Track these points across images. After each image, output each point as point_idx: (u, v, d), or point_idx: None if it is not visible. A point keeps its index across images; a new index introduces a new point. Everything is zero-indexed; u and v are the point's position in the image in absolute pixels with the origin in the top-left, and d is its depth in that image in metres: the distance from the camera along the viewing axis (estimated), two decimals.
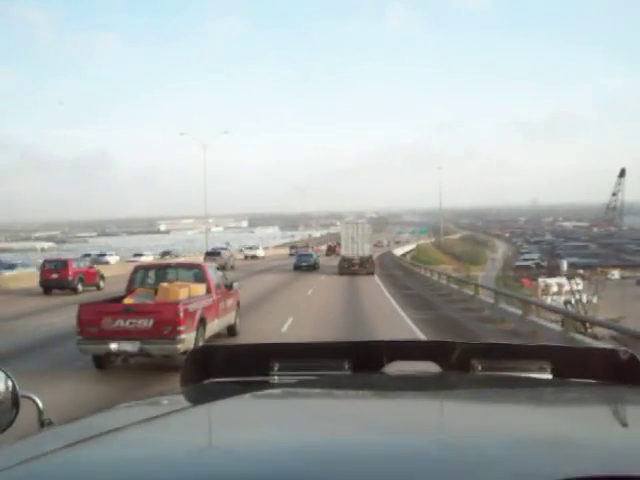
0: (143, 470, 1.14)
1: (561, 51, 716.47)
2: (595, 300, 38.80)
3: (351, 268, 45.88)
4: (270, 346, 2.19)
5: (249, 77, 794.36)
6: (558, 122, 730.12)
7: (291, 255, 70.55)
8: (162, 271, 15.74)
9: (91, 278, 33.13)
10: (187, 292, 13.70)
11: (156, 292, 13.92)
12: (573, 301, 35.50)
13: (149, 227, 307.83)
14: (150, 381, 11.31)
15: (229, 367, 2.06)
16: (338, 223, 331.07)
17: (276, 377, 1.96)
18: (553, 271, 80.00)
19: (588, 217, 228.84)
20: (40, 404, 1.98)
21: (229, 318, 15.99)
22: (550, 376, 1.93)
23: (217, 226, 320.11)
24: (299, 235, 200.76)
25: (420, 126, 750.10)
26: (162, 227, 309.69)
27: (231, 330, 16.31)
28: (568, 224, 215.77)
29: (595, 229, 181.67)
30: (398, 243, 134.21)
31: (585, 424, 1.44)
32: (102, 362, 12.32)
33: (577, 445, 1.20)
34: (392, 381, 1.99)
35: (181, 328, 11.79)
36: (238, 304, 17.10)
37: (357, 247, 47.24)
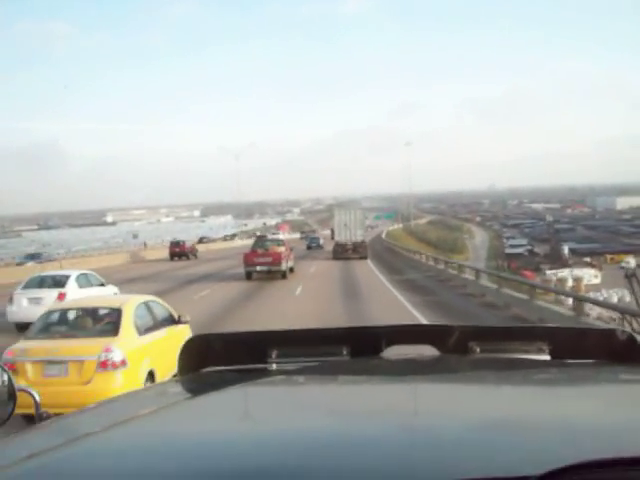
0: (143, 463, 1.14)
1: (517, 34, 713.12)
2: None
3: (344, 253, 47.69)
4: (267, 333, 2.18)
5: (199, 62, 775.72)
6: (513, 106, 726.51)
7: (301, 239, 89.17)
8: (266, 240, 42.28)
9: (193, 251, 57.76)
10: (280, 249, 33.45)
11: (267, 250, 33.35)
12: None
13: (96, 219, 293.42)
14: (271, 280, 31.07)
15: (226, 355, 2.04)
16: (294, 209, 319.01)
17: (274, 364, 1.95)
18: (555, 260, 67.79)
19: (554, 199, 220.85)
20: (37, 397, 1.98)
21: (291, 262, 35.23)
22: (548, 357, 1.93)
23: (168, 217, 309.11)
24: (253, 223, 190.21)
25: (376, 110, 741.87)
26: (109, 219, 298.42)
27: (291, 269, 34.78)
28: (537, 206, 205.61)
29: (569, 210, 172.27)
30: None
31: (583, 405, 1.46)
32: (250, 275, 32.11)
33: (576, 427, 1.21)
34: (391, 365, 2.01)
35: (282, 261, 32.07)
36: (292, 256, 36.52)
37: (350, 233, 48.58)
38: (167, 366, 8.91)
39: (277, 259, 32.07)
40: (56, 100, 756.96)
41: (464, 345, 1.97)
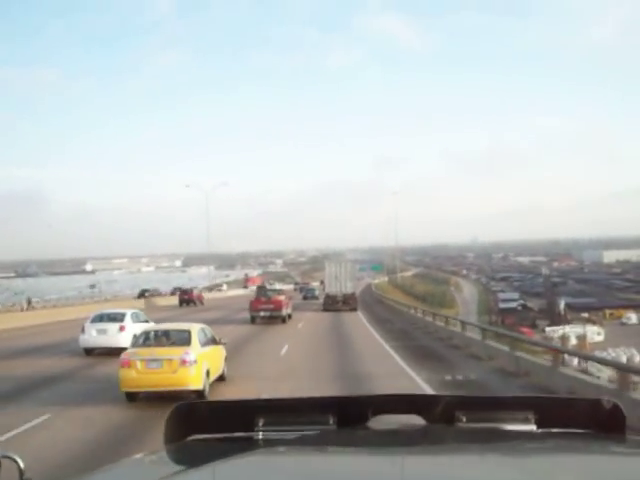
0: None
1: (499, 90, 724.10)
2: None
3: (335, 305, 47.54)
4: (254, 402, 2.25)
5: (186, 112, 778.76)
6: (495, 161, 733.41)
7: (295, 290, 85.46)
8: (268, 290, 41.96)
9: (200, 299, 62.49)
10: (280, 297, 37.29)
11: (269, 298, 36.89)
12: None
13: (76, 267, 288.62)
14: (272, 324, 34.65)
15: (213, 423, 2.06)
16: (277, 261, 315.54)
17: (260, 433, 1.96)
18: (552, 315, 64.48)
19: (538, 253, 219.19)
20: (21, 464, 1.96)
21: (290, 309, 39.13)
22: (534, 427, 1.96)
23: (148, 266, 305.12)
24: (234, 274, 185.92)
25: (360, 163, 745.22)
26: (88, 267, 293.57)
27: (289, 315, 38.49)
28: (523, 259, 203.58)
29: (555, 264, 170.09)
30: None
31: (567, 477, 1.50)
32: (254, 319, 35.69)
33: None
34: (377, 436, 2.03)
35: (283, 308, 36.23)
36: (291, 304, 41.27)
37: (340, 285, 48.85)
38: (214, 368, 15.13)
39: (278, 306, 36.55)
40: (38, 147, 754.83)
41: (451, 414, 1.99)
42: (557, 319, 60.45)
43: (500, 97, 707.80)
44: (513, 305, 75.34)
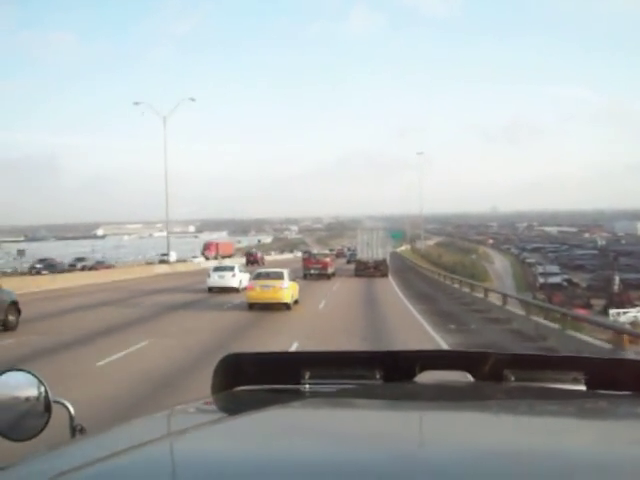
0: None
1: (523, 58, 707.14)
2: None
3: (366, 270, 49.27)
4: (301, 354, 2.29)
5: (200, 74, 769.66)
6: (516, 130, 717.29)
7: (337, 256, 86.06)
8: (316, 254, 55.98)
9: (262, 260, 76.60)
10: (326, 259, 48.59)
11: (317, 260, 48.21)
12: None
13: (87, 232, 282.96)
14: (319, 280, 44.20)
15: (260, 374, 2.08)
16: (292, 227, 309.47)
17: (307, 385, 1.97)
18: (609, 295, 55.70)
19: (563, 223, 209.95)
20: (72, 410, 1.95)
21: (333, 269, 48.76)
22: (584, 387, 1.92)
23: (161, 231, 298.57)
24: (247, 241, 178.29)
25: (379, 132, 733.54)
26: (99, 232, 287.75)
27: (333, 273, 48.04)
28: (551, 229, 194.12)
29: (586, 235, 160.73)
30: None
31: (615, 438, 1.44)
32: (306, 276, 44.74)
33: (607, 462, 1.20)
34: (424, 391, 1.99)
35: (328, 267, 46.86)
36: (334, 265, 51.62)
37: (372, 251, 50.77)
38: (294, 294, 26.87)
39: (325, 266, 46.88)
40: (52, 112, 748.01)
41: (499, 373, 1.97)
42: (617, 299, 51.67)
43: (524, 67, 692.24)
44: (557, 280, 66.49)
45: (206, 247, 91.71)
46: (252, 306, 25.12)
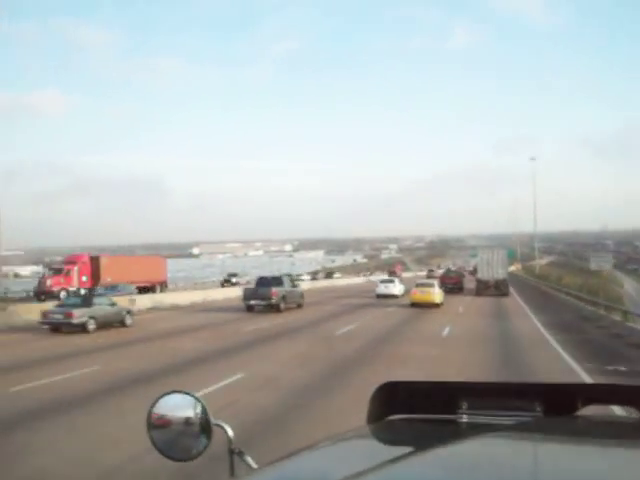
0: None
1: (631, 64, 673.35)
2: None
3: (487, 290, 50.24)
4: (458, 384, 2.18)
5: (300, 98, 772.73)
6: (625, 145, 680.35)
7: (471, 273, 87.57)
8: (452, 271, 70.91)
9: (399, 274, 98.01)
10: (459, 276, 59.69)
11: (451, 277, 58.35)
12: None
13: (183, 251, 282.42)
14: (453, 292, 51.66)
15: (415, 403, 2.03)
16: (392, 246, 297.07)
17: (464, 416, 1.91)
18: None
19: None
20: (230, 433, 1.97)
21: (466, 283, 57.84)
22: None
23: (258, 250, 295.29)
24: (341, 260, 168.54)
25: (481, 148, 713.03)
26: (195, 251, 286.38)
27: (464, 287, 57.19)
28: None
29: None
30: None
31: None
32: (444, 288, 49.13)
33: None
34: (588, 427, 1.87)
35: (461, 281, 56.46)
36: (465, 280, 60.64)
37: (492, 271, 51.72)
38: (442, 298, 40.82)
39: (458, 281, 55.62)
40: (155, 135, 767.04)
41: None
42: None
43: (632, 75, 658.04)
44: None
45: (394, 267, 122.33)
46: (413, 305, 37.54)
